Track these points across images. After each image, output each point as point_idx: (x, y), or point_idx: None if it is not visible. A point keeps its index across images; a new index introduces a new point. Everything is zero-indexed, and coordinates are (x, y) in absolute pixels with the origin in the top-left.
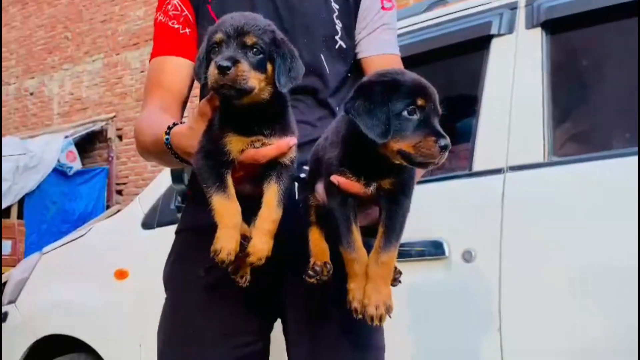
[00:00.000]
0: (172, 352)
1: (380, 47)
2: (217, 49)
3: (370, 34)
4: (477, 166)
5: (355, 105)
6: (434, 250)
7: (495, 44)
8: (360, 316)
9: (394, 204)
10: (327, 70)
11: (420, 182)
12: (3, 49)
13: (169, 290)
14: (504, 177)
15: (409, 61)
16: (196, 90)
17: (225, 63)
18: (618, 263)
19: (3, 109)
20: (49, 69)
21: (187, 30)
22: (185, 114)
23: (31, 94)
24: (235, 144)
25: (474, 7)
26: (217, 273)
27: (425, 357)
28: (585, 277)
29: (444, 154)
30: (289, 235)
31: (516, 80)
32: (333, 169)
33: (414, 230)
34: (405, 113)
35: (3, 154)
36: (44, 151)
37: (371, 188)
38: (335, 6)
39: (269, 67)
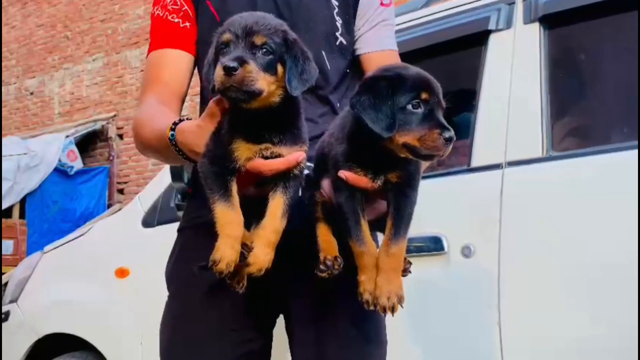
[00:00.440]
0: (174, 349)
1: (379, 43)
2: (224, 50)
3: (370, 30)
4: (475, 162)
5: (360, 100)
6: (433, 245)
7: (493, 39)
8: (371, 308)
9: (401, 196)
10: (328, 66)
11: None
12: (3, 49)
13: (172, 287)
14: (503, 173)
15: (407, 57)
16: (195, 88)
17: (232, 63)
18: (617, 258)
19: (4, 109)
20: (50, 68)
21: (187, 24)
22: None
23: (31, 93)
24: (243, 152)
25: (471, 2)
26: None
27: (425, 352)
28: (584, 271)
29: (449, 146)
30: (293, 230)
31: (514, 76)
32: (340, 164)
33: (412, 226)
34: (409, 107)
35: (4, 153)
36: (45, 151)
37: (378, 182)
38: (335, 3)
39: (280, 69)
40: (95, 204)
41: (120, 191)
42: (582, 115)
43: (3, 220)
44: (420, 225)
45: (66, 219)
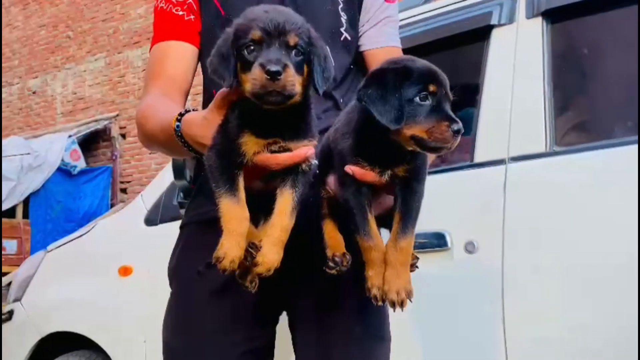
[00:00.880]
0: (176, 346)
1: (383, 40)
2: (252, 48)
3: (374, 26)
4: (478, 157)
5: (368, 92)
6: (437, 241)
7: (495, 34)
8: (380, 303)
9: (408, 190)
10: (333, 62)
11: None
12: (6, 49)
13: (174, 283)
14: (506, 168)
15: (410, 53)
16: (197, 87)
17: (276, 68)
18: (621, 253)
19: (7, 109)
20: (52, 68)
21: (192, 17)
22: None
23: (34, 93)
24: (251, 146)
25: None
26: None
27: (429, 349)
28: (588, 266)
29: (457, 139)
30: (297, 228)
31: (517, 71)
32: (347, 159)
33: None
34: (417, 99)
35: (8, 154)
36: (48, 151)
37: (385, 176)
38: None
39: (305, 68)
40: (98, 204)
41: (123, 190)
42: (585, 110)
43: (7, 220)
44: (423, 221)
45: (69, 219)
